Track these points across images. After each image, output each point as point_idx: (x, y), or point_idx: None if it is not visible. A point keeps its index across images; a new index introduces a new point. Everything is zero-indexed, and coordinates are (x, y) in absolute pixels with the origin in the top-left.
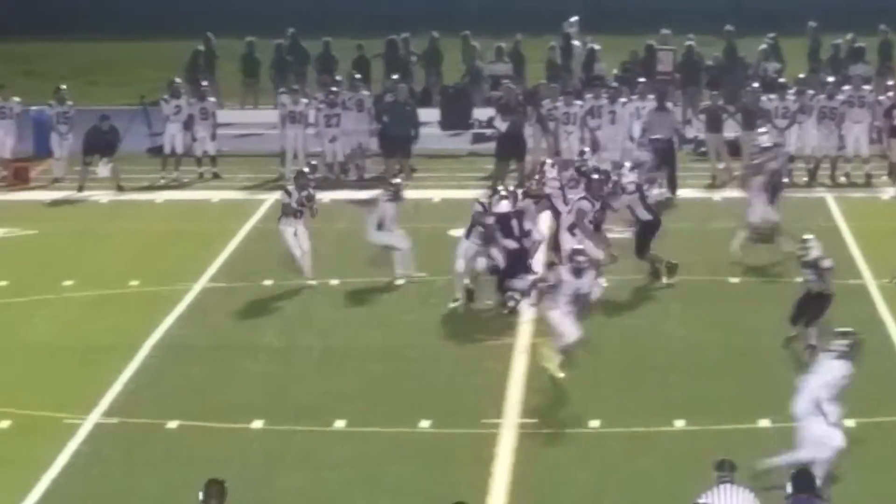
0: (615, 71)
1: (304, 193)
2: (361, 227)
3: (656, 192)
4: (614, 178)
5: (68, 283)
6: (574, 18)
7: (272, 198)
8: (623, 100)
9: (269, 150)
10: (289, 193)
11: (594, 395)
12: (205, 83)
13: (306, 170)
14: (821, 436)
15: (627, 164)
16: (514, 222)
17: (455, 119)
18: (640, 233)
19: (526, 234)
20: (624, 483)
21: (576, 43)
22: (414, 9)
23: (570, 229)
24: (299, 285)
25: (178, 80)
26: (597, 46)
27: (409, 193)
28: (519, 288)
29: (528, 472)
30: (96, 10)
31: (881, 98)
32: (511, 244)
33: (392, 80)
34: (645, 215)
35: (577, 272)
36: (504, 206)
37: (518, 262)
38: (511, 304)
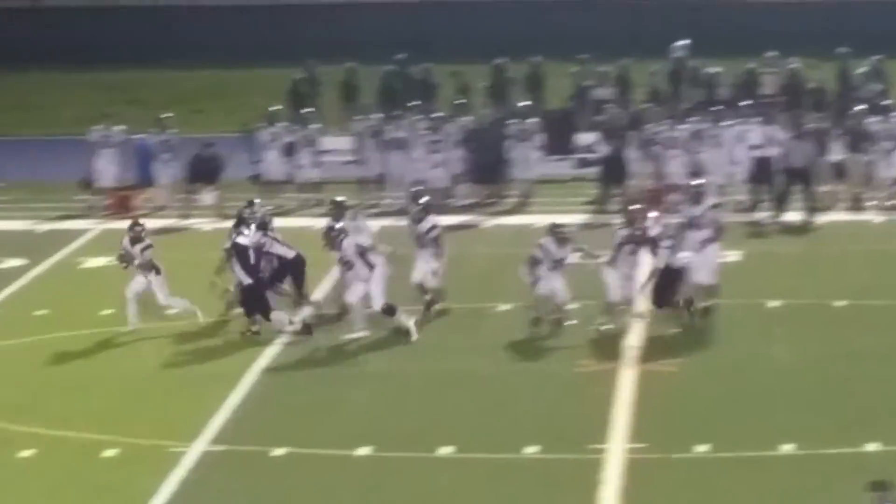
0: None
1: (140, 245)
2: (462, 253)
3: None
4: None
5: (173, 311)
6: (683, 42)
7: (375, 224)
8: (727, 123)
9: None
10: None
11: (701, 419)
12: (307, 110)
13: (141, 223)
14: None
15: (654, 215)
16: (252, 254)
17: (558, 144)
18: (664, 279)
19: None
20: None
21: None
22: (516, 34)
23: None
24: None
25: (273, 107)
26: (716, 70)
27: (513, 219)
28: (278, 326)
29: (635, 498)
30: (200, 38)
31: None
32: (245, 278)
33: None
34: (677, 263)
35: None
36: (244, 239)
37: (252, 297)
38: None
